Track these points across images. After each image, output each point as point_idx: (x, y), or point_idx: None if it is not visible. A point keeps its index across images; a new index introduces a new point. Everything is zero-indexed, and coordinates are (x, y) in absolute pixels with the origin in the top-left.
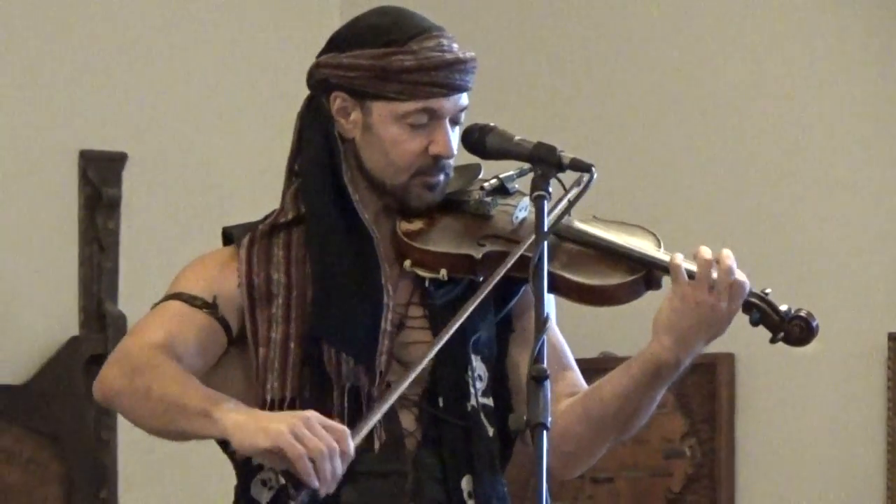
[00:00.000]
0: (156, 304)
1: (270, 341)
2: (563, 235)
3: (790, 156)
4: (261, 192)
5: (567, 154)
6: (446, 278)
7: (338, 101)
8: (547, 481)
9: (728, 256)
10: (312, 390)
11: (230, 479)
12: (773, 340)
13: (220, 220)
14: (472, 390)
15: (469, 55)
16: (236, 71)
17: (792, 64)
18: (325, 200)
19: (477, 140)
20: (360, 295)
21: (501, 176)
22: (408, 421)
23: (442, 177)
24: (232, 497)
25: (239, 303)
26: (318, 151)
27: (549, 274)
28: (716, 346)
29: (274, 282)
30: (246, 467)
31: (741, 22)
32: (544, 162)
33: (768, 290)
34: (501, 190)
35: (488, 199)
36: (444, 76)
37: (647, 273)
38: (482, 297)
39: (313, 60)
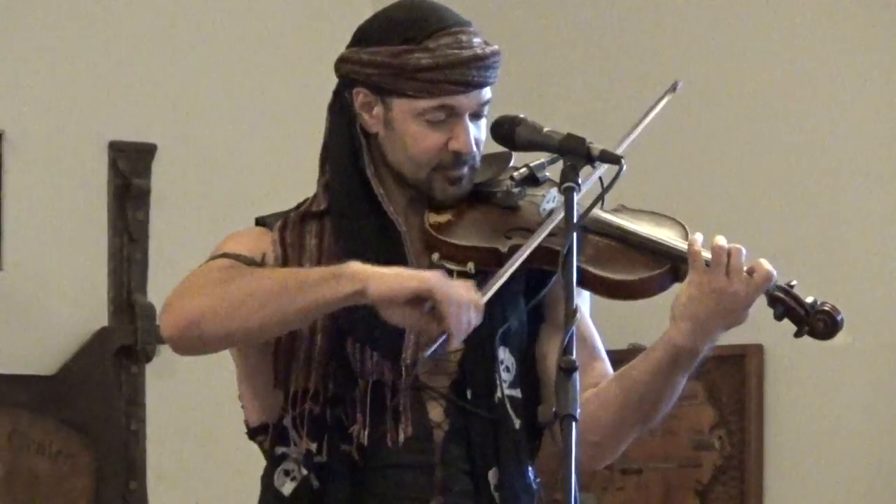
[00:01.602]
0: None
1: (298, 331)
2: (589, 228)
3: (820, 146)
4: (289, 183)
5: (596, 145)
6: (474, 271)
7: (360, 96)
8: (576, 472)
9: (739, 247)
10: (336, 383)
11: (258, 470)
12: (797, 334)
13: (249, 210)
14: (499, 382)
15: (489, 50)
16: (266, 63)
17: (824, 54)
18: (349, 195)
19: (506, 132)
20: None
21: (532, 164)
22: (435, 413)
23: (465, 170)
24: (258, 489)
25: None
26: (342, 146)
27: (581, 270)
28: (745, 338)
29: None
30: (272, 456)
31: (771, 14)
32: (573, 153)
33: (794, 283)
34: (531, 179)
35: (517, 189)
36: (460, 73)
37: (673, 266)
38: (516, 265)
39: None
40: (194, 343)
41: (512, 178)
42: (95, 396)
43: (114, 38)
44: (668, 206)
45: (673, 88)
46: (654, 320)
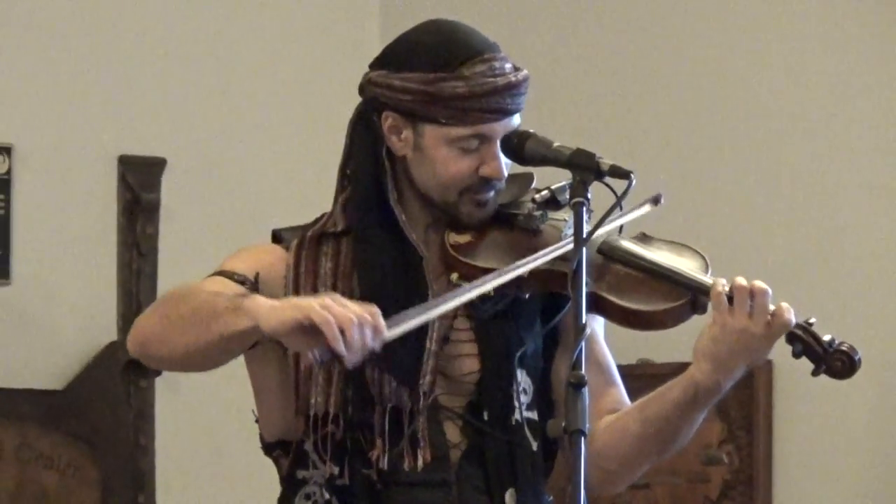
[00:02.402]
0: None
1: None
2: (610, 256)
3: (836, 162)
4: (299, 197)
5: (606, 160)
6: (493, 294)
7: (389, 119)
8: (585, 489)
9: (763, 286)
10: (355, 407)
11: (267, 484)
12: (815, 373)
13: (259, 225)
14: (516, 404)
15: (521, 76)
16: (275, 77)
17: (845, 69)
18: (370, 219)
19: (516, 146)
20: None
21: (553, 187)
22: (452, 433)
23: (492, 194)
24: (269, 501)
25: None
26: (366, 167)
27: (595, 295)
28: None
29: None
30: (291, 480)
31: (776, 29)
32: (583, 168)
33: (812, 321)
34: (553, 202)
35: (538, 213)
36: (495, 102)
37: (693, 298)
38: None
39: (352, 68)
40: (148, 362)
41: (534, 200)
42: (104, 410)
43: (123, 53)
44: (683, 226)
45: (655, 201)
46: (663, 336)
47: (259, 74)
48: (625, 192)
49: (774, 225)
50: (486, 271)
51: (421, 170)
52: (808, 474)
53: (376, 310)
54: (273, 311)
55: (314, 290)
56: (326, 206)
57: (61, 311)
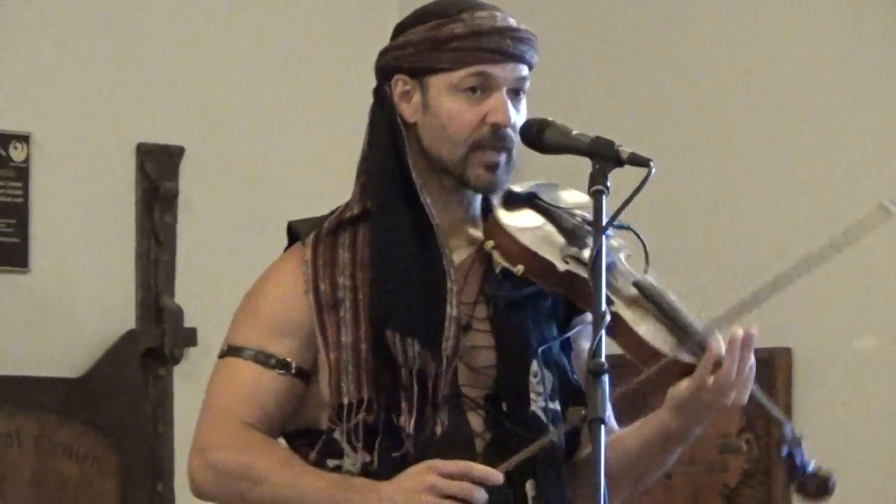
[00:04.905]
0: (224, 354)
1: (341, 345)
2: (647, 293)
3: (843, 149)
4: (317, 186)
5: (625, 149)
6: (520, 275)
7: (399, 84)
8: (605, 476)
9: (751, 360)
10: (388, 391)
11: None
12: (787, 480)
13: (277, 213)
14: (533, 395)
15: (524, 26)
16: (294, 66)
17: (863, 71)
18: (391, 190)
19: (535, 135)
20: (423, 280)
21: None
22: (476, 423)
23: (502, 157)
24: None
25: (310, 322)
26: (383, 140)
27: (616, 316)
28: (773, 341)
29: (340, 286)
30: (321, 468)
31: (798, 29)
32: (602, 156)
33: (802, 436)
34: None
35: (588, 227)
36: (495, 42)
37: (686, 364)
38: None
39: (370, 56)
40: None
41: (583, 218)
42: (122, 399)
43: (141, 41)
44: (696, 216)
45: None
46: None
47: (278, 63)
48: (644, 180)
49: (794, 214)
50: (526, 251)
51: (430, 131)
52: (826, 462)
53: (470, 465)
54: None
55: (333, 283)
56: (345, 193)
57: (79, 300)
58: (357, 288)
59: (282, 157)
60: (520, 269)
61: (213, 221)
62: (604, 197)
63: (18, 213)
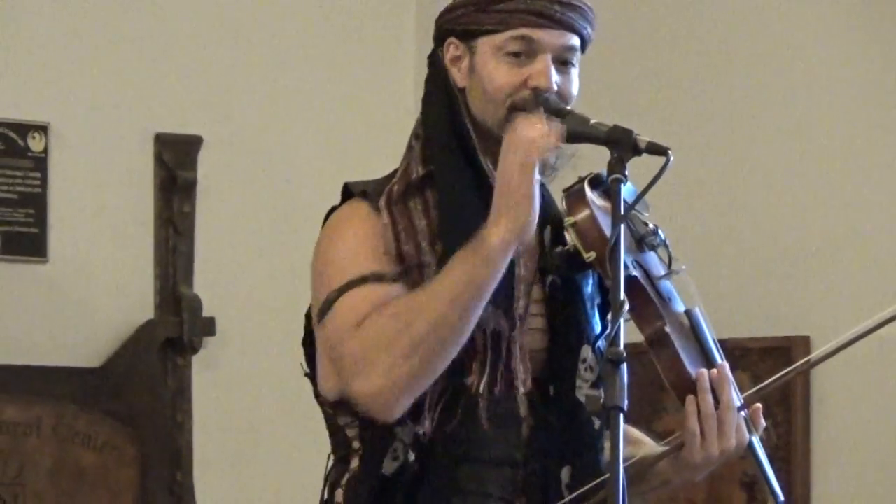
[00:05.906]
0: (331, 301)
1: None
2: (694, 325)
3: (862, 158)
4: (334, 175)
5: (643, 137)
6: (588, 261)
7: (450, 48)
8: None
9: (731, 416)
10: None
11: (303, 459)
12: None
13: (294, 203)
14: (579, 382)
15: None
16: (311, 55)
17: (880, 60)
18: (450, 154)
19: None
20: None
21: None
22: (522, 407)
23: None
24: (305, 479)
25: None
26: (439, 105)
27: (669, 340)
28: (791, 329)
29: (423, 250)
30: (377, 436)
31: (817, 17)
32: (620, 145)
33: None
34: (665, 245)
35: (658, 241)
36: (542, 5)
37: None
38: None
39: (389, 47)
40: (403, 403)
41: (656, 230)
42: (141, 388)
43: (159, 31)
44: (715, 206)
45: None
46: None
47: (295, 52)
48: (663, 168)
49: (804, 209)
50: (604, 240)
51: (476, 95)
52: (845, 450)
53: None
54: (509, 204)
55: (417, 247)
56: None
57: (98, 290)
58: (437, 255)
59: (299, 146)
60: (591, 255)
61: (231, 211)
62: (622, 185)
63: (37, 204)
